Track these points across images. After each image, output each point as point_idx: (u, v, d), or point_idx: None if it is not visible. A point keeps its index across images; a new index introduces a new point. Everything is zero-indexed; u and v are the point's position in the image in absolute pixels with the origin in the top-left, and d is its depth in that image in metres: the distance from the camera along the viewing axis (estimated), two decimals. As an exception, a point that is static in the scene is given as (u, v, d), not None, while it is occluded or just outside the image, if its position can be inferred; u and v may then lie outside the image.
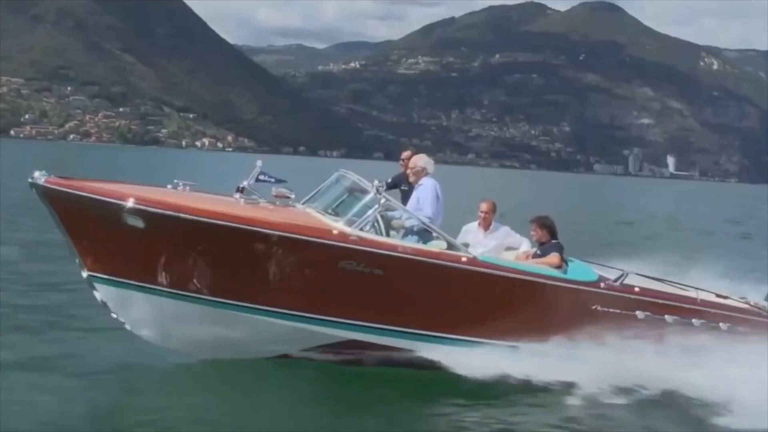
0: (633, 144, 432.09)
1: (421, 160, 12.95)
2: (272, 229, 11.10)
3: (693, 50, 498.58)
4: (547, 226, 12.69)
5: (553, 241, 12.68)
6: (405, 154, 13.47)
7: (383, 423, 10.70)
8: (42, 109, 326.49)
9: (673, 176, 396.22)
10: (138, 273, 11.46)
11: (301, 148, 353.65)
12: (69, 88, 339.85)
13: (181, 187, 12.16)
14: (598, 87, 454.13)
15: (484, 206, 12.93)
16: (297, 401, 11.11)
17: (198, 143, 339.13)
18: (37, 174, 11.18)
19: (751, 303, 13.35)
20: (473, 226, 13.06)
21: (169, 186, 12.20)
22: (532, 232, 12.76)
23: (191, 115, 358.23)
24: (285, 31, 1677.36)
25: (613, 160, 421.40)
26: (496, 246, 12.69)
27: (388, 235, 11.98)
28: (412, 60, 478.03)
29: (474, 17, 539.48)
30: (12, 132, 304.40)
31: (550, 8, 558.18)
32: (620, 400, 11.45)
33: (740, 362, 11.75)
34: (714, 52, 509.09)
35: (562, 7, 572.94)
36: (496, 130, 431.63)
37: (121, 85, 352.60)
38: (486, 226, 12.89)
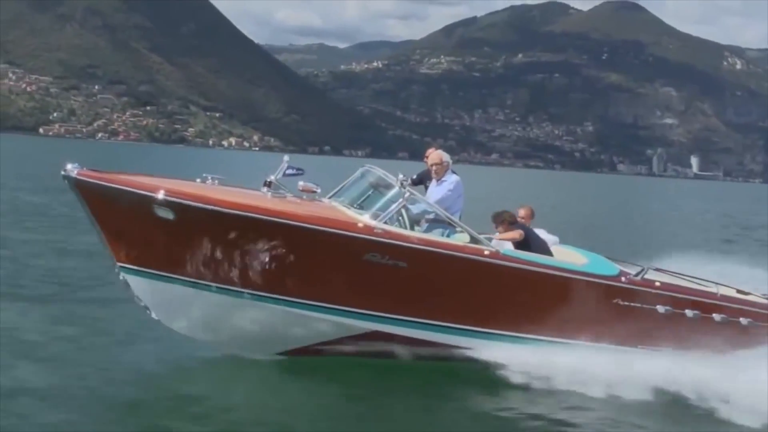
0: (656, 144, 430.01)
1: (445, 156, 13.21)
2: (299, 221, 11.21)
3: (716, 50, 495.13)
4: (503, 220, 12.87)
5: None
6: (429, 151, 13.68)
7: (401, 417, 11.01)
8: (70, 108, 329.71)
9: (697, 176, 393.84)
10: (167, 264, 11.61)
11: (327, 148, 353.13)
12: (96, 87, 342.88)
13: (210, 180, 12.28)
14: (621, 86, 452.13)
15: (522, 212, 13.46)
16: (318, 394, 11.47)
17: (225, 142, 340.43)
18: (69, 166, 11.35)
19: None
20: None
21: (198, 180, 12.33)
22: (497, 229, 12.85)
23: (217, 114, 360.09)
24: (305, 31, 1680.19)
25: (636, 160, 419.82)
26: None
27: (412, 228, 12.06)
28: (435, 60, 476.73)
29: (496, 17, 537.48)
30: (41, 130, 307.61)
31: (573, 8, 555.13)
32: (639, 394, 11.61)
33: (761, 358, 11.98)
34: (736, 51, 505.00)
35: (585, 7, 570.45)
36: (520, 130, 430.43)
37: (147, 84, 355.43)
38: None
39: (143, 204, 11.20)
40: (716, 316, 12.62)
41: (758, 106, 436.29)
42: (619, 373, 11.74)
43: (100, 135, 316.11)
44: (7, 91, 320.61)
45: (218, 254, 11.40)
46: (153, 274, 11.68)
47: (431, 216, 12.39)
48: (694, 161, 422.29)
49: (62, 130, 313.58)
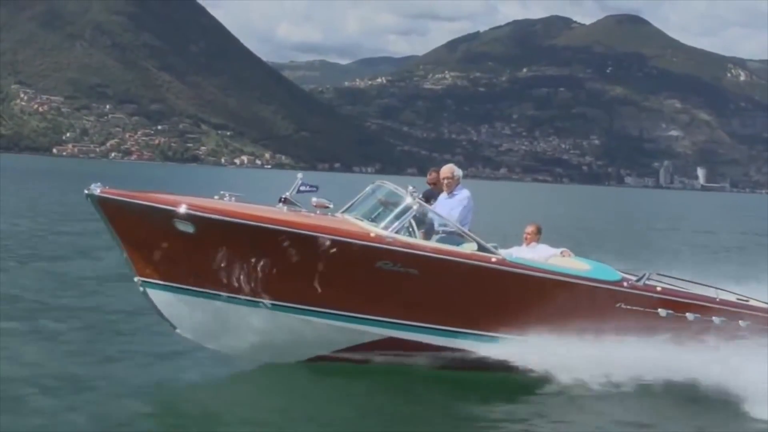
0: (662, 156, 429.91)
1: (457, 170, 13.62)
2: (314, 231, 11.67)
3: (719, 61, 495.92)
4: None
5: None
6: (438, 174, 13.91)
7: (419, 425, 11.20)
8: (83, 127, 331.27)
9: (703, 188, 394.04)
10: (188, 277, 11.95)
11: (337, 165, 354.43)
12: (107, 106, 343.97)
13: (227, 197, 12.54)
14: (626, 99, 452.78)
15: (528, 229, 14.11)
16: (328, 402, 11.66)
17: (237, 160, 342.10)
18: (92, 185, 11.74)
19: None
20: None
21: (215, 197, 12.59)
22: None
23: (228, 133, 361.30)
24: (306, 47, 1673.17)
25: (643, 172, 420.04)
26: (532, 258, 13.26)
27: (425, 238, 12.53)
28: (439, 75, 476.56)
29: (498, 32, 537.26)
30: (54, 150, 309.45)
31: (575, 21, 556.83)
32: (642, 394, 12.00)
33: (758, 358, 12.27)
34: (739, 62, 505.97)
35: (587, 20, 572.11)
36: (527, 144, 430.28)
37: (158, 103, 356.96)
38: (528, 243, 13.95)
39: (164, 218, 11.62)
40: (716, 319, 13.07)
41: (762, 117, 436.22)
42: (625, 372, 12.18)
43: (113, 154, 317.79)
44: (19, 111, 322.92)
45: (238, 266, 11.81)
46: (174, 287, 12.05)
47: (442, 227, 12.75)
48: (700, 173, 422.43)
49: (76, 150, 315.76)
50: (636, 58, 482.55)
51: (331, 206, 12.88)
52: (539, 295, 12.53)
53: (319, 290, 11.92)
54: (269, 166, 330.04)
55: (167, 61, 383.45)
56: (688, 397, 12.09)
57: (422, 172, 14.82)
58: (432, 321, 12.34)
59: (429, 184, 14.10)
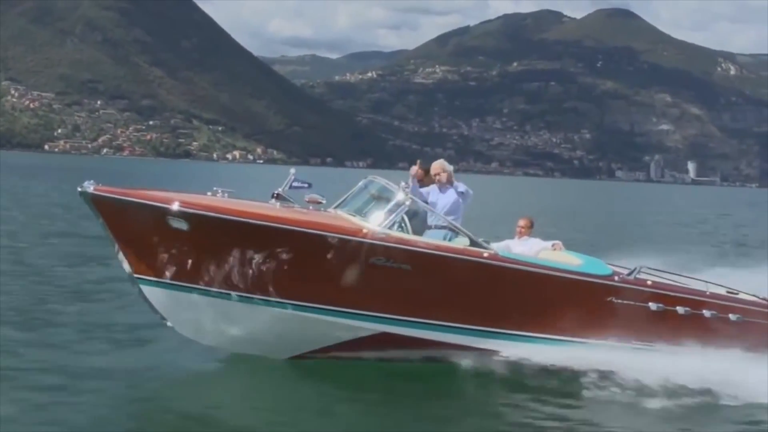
0: (653, 150, 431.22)
1: (447, 165, 13.68)
2: (307, 228, 11.71)
3: (709, 56, 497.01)
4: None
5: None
6: (425, 170, 13.90)
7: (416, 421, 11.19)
8: (74, 123, 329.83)
9: (694, 182, 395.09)
10: (182, 274, 11.97)
11: (329, 159, 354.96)
12: (99, 102, 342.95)
13: (220, 193, 12.56)
14: (617, 93, 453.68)
15: (521, 222, 14.15)
16: (328, 399, 11.68)
17: (229, 156, 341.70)
18: (86, 183, 11.70)
19: (760, 297, 13.85)
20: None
21: (208, 193, 12.57)
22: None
23: (220, 128, 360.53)
24: (297, 42, 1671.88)
25: (634, 166, 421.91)
26: (523, 251, 13.33)
27: (419, 233, 12.54)
28: (430, 69, 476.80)
29: (489, 26, 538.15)
30: (46, 147, 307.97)
31: (566, 15, 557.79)
32: (633, 390, 12.03)
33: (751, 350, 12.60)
34: (729, 57, 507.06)
35: (578, 14, 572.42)
36: (518, 138, 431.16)
37: (149, 98, 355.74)
38: (520, 236, 14.01)
39: (158, 215, 11.64)
40: (706, 313, 13.11)
41: (752, 111, 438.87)
42: (615, 368, 12.21)
43: (105, 150, 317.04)
44: (11, 108, 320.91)
45: (232, 262, 11.84)
46: (168, 284, 12.09)
47: (433, 221, 12.88)
48: (691, 167, 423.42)
49: (68, 146, 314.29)
50: (626, 53, 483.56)
51: (324, 202, 13.01)
52: (531, 289, 12.65)
53: (313, 286, 12.01)
54: (261, 161, 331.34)
55: (158, 56, 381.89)
56: (676, 395, 12.15)
57: (414, 167, 14.75)
58: (425, 316, 12.42)
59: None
